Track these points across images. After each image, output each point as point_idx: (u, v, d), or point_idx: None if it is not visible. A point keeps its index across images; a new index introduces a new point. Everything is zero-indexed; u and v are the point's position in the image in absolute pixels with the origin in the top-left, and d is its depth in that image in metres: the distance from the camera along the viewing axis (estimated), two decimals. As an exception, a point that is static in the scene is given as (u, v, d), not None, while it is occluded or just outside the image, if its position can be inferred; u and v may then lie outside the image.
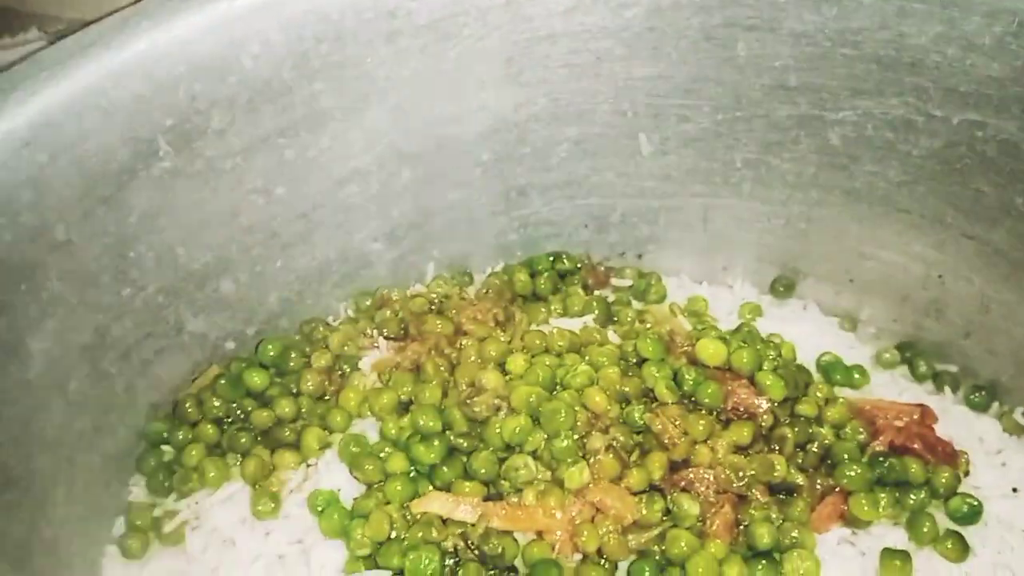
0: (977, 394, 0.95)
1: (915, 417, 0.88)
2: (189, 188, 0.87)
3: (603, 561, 0.73)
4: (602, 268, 1.12)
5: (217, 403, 0.88)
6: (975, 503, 0.80)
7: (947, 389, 0.97)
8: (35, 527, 0.77)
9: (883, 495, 0.78)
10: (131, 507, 0.86)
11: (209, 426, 0.87)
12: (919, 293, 1.00)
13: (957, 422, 0.91)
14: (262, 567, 0.79)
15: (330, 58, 0.90)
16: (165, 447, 0.88)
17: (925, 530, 0.77)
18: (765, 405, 0.81)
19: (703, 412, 0.80)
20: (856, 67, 0.90)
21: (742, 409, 0.81)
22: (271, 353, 0.93)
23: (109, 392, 0.85)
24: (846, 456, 0.80)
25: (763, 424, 0.80)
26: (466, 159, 1.03)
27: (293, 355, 0.93)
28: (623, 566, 0.75)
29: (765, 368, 0.85)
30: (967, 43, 0.83)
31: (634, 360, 0.86)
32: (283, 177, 0.94)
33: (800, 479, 0.78)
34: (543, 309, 0.98)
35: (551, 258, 1.09)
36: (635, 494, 0.75)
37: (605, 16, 0.94)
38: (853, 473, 0.78)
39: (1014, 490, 0.83)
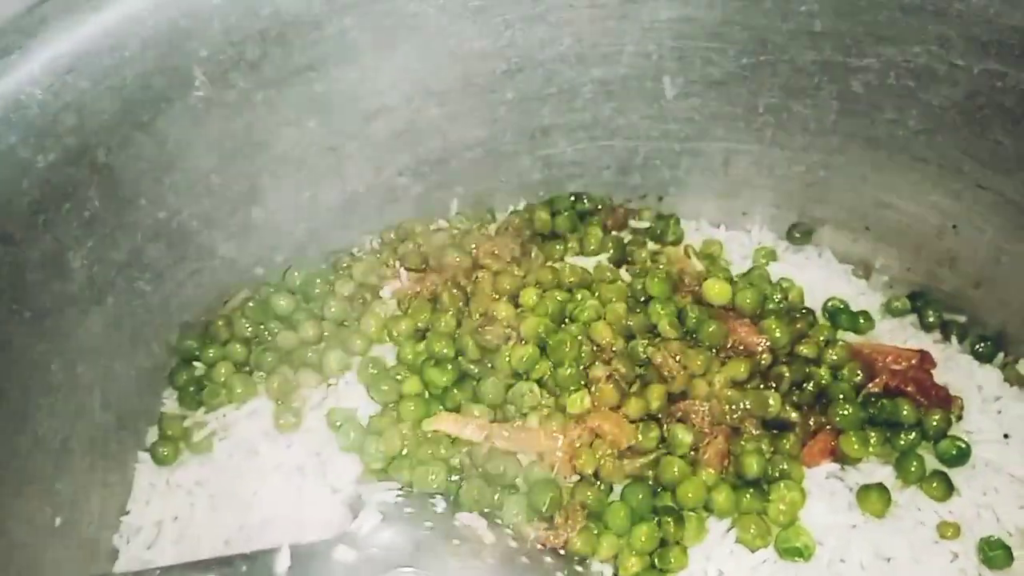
0: (983, 344, 0.96)
1: (913, 362, 0.91)
2: (222, 118, 0.91)
3: (599, 483, 0.78)
4: (622, 209, 1.14)
5: (246, 324, 0.93)
6: (963, 445, 0.82)
7: (954, 339, 0.99)
8: (73, 431, 0.83)
9: (873, 434, 0.81)
10: (163, 418, 0.91)
11: (238, 345, 0.92)
12: (933, 243, 1.01)
13: (959, 370, 0.93)
14: (283, 475, 0.85)
15: (361, -7, 0.92)
16: (196, 363, 0.94)
17: (912, 469, 0.80)
18: (764, 344, 0.84)
19: (703, 348, 0.83)
20: (880, 14, 0.90)
21: (742, 347, 0.84)
22: (297, 280, 0.97)
23: (144, 309, 0.91)
24: (840, 396, 0.83)
25: (762, 362, 0.83)
26: (492, 97, 1.05)
27: (318, 282, 0.97)
28: (618, 489, 0.79)
29: (768, 310, 0.87)
30: (991, -8, 0.83)
31: (642, 298, 0.89)
32: (313, 110, 0.97)
33: (793, 415, 0.81)
34: (559, 247, 1.01)
35: (572, 198, 1.11)
36: (633, 422, 0.79)
37: (633, -43, 0.95)
38: (845, 412, 0.81)
39: (1005, 436, 0.85)
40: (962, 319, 1.01)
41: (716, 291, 0.88)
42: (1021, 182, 0.90)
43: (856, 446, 0.79)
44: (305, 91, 0.95)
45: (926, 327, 1.01)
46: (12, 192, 0.75)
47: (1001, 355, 0.96)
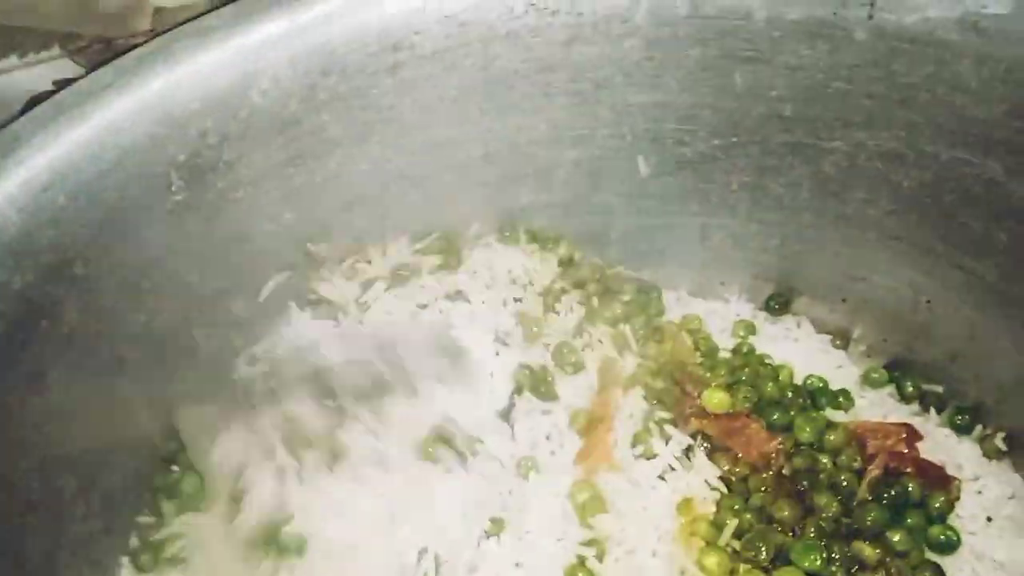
0: (961, 416, 0.98)
1: (902, 437, 0.92)
2: (201, 219, 0.91)
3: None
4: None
5: None
6: (954, 536, 0.84)
7: (932, 411, 1.00)
8: (56, 545, 0.82)
9: (898, 536, 0.83)
10: (140, 526, 0.91)
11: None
12: (908, 316, 1.03)
13: (939, 446, 0.94)
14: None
15: (336, 90, 0.93)
16: (175, 467, 0.93)
17: (910, 558, 0.82)
18: (776, 446, 0.87)
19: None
20: (848, 101, 0.92)
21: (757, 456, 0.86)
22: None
23: (126, 414, 0.90)
24: (864, 498, 0.85)
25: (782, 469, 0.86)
26: (468, 180, 1.05)
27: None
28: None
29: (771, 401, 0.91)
30: (956, 84, 0.85)
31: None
32: (291, 203, 0.97)
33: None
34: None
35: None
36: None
37: (604, 46, 0.97)
38: (873, 516, 0.84)
39: (988, 519, 0.87)
40: (939, 390, 1.02)
41: (716, 402, 0.91)
42: (992, 264, 0.92)
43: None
44: (283, 186, 0.95)
45: (905, 398, 1.02)
46: (-12, 316, 0.75)
47: (979, 427, 0.98)
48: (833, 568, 0.79)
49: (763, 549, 0.80)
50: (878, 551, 0.80)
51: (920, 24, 0.85)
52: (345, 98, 0.93)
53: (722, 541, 0.82)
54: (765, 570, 0.81)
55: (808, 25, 0.91)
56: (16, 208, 0.76)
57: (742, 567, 0.80)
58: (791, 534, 0.83)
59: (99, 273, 0.84)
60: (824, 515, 0.83)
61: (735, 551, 0.82)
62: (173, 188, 0.87)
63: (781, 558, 0.83)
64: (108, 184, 0.83)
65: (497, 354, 0.98)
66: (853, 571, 0.80)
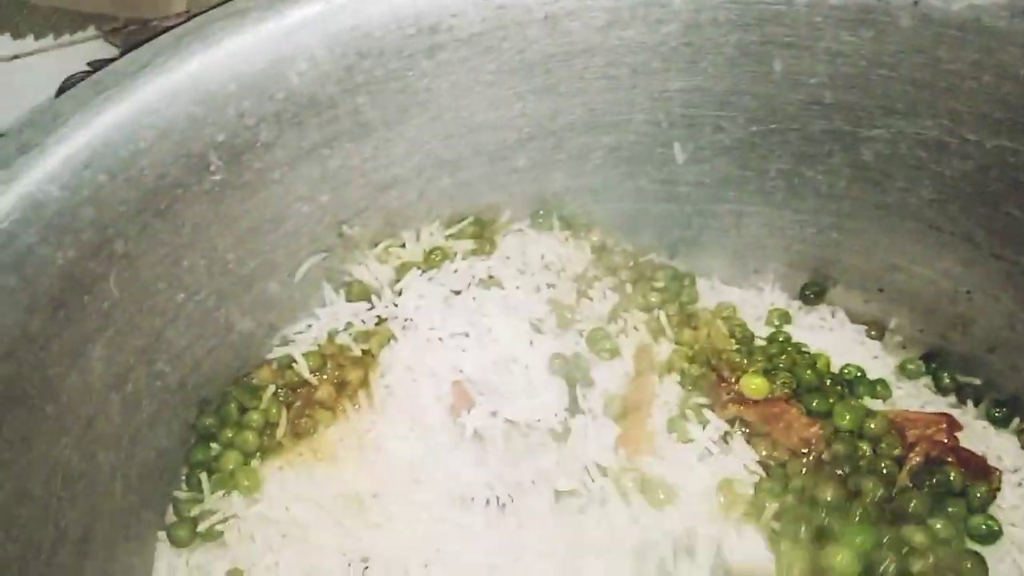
0: (999, 409, 0.96)
1: (942, 427, 0.91)
2: (238, 199, 0.91)
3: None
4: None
5: (256, 416, 0.93)
6: (995, 526, 0.83)
7: (969, 403, 0.99)
8: (94, 518, 0.83)
9: (940, 523, 0.82)
10: (176, 501, 0.92)
11: (249, 434, 0.92)
12: (946, 307, 1.01)
13: (977, 438, 0.93)
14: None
15: (373, 73, 0.93)
16: (214, 444, 0.94)
17: (952, 546, 0.81)
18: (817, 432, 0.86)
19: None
20: (891, 88, 0.91)
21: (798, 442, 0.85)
22: (310, 363, 0.97)
23: (163, 390, 0.91)
24: (906, 486, 0.85)
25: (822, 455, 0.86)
26: (503, 165, 1.05)
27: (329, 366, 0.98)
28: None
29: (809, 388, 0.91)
30: (1003, 72, 0.84)
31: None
32: (327, 185, 0.97)
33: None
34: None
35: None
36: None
37: (642, 31, 0.96)
38: (913, 505, 0.83)
39: (1030, 511, 0.86)
40: (977, 382, 1.01)
41: (755, 387, 0.91)
42: (1036, 255, 0.90)
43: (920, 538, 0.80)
44: (319, 167, 0.96)
45: (942, 390, 1.01)
46: (32, 291, 0.76)
47: (1017, 420, 0.96)
48: (883, 551, 0.77)
49: (803, 528, 0.79)
50: (927, 537, 0.78)
51: (967, 10, 0.83)
52: (382, 81, 0.93)
53: (762, 522, 0.82)
54: (808, 549, 0.80)
55: (851, 11, 0.89)
56: (58, 185, 0.77)
57: (783, 545, 0.79)
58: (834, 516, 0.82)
59: (139, 251, 0.84)
60: (869, 498, 0.81)
61: (774, 531, 0.82)
62: (212, 168, 0.88)
63: (824, 538, 0.81)
64: (147, 163, 0.83)
65: (531, 342, 0.97)
66: (904, 553, 0.78)
